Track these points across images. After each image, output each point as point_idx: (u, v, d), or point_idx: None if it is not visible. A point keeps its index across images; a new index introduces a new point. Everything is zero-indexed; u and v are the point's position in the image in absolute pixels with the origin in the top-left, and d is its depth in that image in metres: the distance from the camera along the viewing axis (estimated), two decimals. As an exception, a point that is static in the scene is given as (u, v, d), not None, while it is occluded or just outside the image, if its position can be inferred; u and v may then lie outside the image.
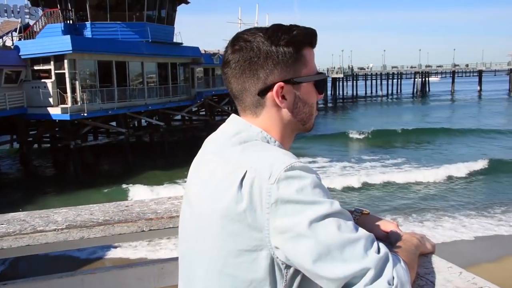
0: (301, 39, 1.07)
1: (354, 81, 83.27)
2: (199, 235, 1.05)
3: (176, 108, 31.83)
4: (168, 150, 28.38)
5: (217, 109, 37.63)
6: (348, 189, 19.22)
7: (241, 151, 1.01)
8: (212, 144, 1.12)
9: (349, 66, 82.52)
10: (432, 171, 21.24)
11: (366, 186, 19.52)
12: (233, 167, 0.98)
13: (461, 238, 13.19)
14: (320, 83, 1.13)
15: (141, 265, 1.81)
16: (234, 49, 1.07)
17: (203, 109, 36.93)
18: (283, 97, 1.07)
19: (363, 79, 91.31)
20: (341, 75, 74.06)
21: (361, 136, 33.61)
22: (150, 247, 12.10)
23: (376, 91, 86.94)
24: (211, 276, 1.02)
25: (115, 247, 11.91)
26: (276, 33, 1.05)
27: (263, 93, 1.06)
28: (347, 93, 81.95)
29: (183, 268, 1.14)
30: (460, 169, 21.03)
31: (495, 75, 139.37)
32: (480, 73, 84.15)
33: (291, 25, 1.08)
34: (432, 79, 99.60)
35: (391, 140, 32.18)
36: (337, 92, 74.19)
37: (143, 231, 1.66)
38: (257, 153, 1.00)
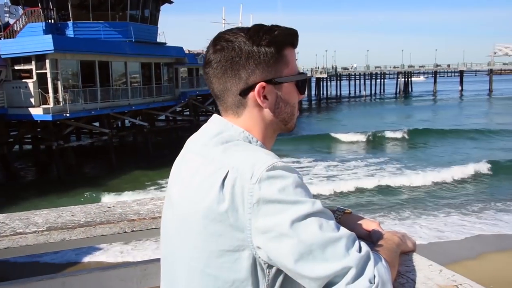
0: (282, 39, 1.07)
1: (338, 81, 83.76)
2: (181, 236, 1.04)
3: (160, 108, 31.66)
4: (152, 150, 28.21)
5: (201, 109, 37.53)
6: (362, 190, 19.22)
7: (223, 151, 1.01)
8: (193, 144, 1.12)
9: (332, 66, 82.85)
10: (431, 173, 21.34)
11: (359, 189, 19.55)
12: (215, 167, 0.98)
13: (443, 236, 13.36)
14: (301, 83, 1.13)
15: (123, 267, 1.79)
16: (216, 49, 1.07)
17: (187, 109, 36.81)
18: (265, 97, 1.07)
19: (346, 79, 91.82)
20: (325, 75, 74.34)
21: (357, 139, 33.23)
22: (132, 248, 12.04)
23: (360, 91, 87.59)
24: (193, 277, 1.01)
25: (97, 248, 11.80)
26: (258, 33, 1.05)
27: (244, 93, 1.06)
28: (330, 93, 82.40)
29: (165, 268, 1.13)
30: (449, 172, 21.07)
31: (475, 75, 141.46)
32: (461, 73, 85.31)
33: (272, 25, 1.09)
34: (418, 79, 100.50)
35: (382, 141, 32.37)
36: (321, 92, 74.51)
37: (126, 232, 1.64)
38: (239, 153, 1.00)
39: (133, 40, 27.67)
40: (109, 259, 11.39)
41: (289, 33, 1.09)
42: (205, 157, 1.03)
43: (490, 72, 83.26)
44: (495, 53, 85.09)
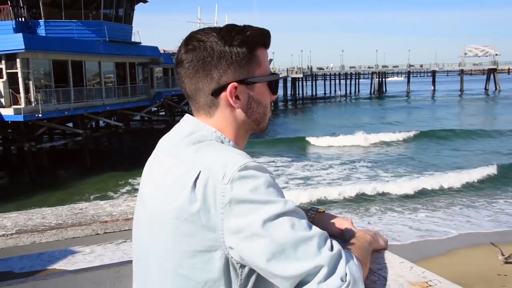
0: (254, 39, 1.07)
1: (314, 81, 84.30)
2: (152, 236, 1.04)
3: (135, 109, 31.36)
4: (127, 151, 27.88)
5: (177, 109, 37.27)
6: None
7: (195, 151, 1.01)
8: (166, 144, 1.11)
9: (308, 66, 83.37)
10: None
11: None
12: (186, 168, 0.98)
13: (412, 234, 13.63)
14: (273, 83, 1.14)
15: (96, 269, 1.77)
16: (188, 49, 1.06)
17: (163, 109, 36.51)
18: (237, 97, 1.08)
19: (322, 79, 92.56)
20: (301, 75, 74.76)
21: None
22: (106, 250, 11.83)
23: (335, 91, 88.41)
24: (165, 277, 1.01)
25: (69, 251, 11.56)
26: (230, 33, 1.05)
27: (216, 93, 1.06)
28: (306, 93, 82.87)
29: (137, 270, 1.13)
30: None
31: (447, 75, 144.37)
32: (433, 73, 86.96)
33: (244, 25, 1.09)
34: (399, 78, 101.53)
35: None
36: (297, 92, 74.90)
37: (98, 234, 1.62)
38: (211, 153, 1.00)
39: (107, 39, 27.30)
40: (81, 262, 11.17)
41: (261, 33, 1.10)
42: (177, 157, 1.03)
43: (461, 73, 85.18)
44: (465, 54, 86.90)
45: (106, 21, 28.25)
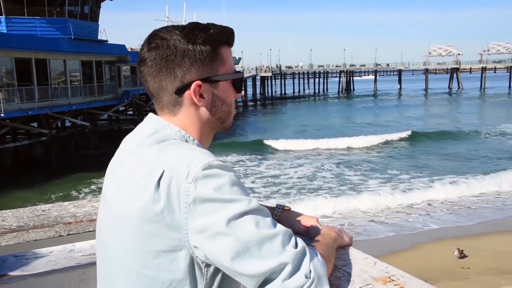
0: (218, 37, 1.07)
1: (283, 80, 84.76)
2: (116, 237, 1.02)
3: (102, 108, 30.83)
4: (94, 150, 27.36)
5: (145, 108, 36.80)
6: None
7: (158, 151, 1.00)
8: (129, 143, 1.09)
9: (277, 65, 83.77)
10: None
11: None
12: (150, 167, 0.97)
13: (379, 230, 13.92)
14: (237, 82, 1.13)
15: (60, 272, 1.73)
16: (150, 47, 1.05)
17: (131, 109, 36.01)
18: (201, 95, 1.07)
19: (291, 78, 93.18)
20: (270, 74, 75.04)
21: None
22: (70, 252, 11.60)
23: (304, 90, 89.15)
24: (130, 279, 1.00)
25: (32, 254, 11.24)
26: (193, 31, 1.05)
27: (180, 91, 1.06)
28: (275, 92, 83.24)
29: (101, 271, 1.11)
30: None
31: (413, 74, 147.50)
32: (399, 72, 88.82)
33: (208, 23, 1.08)
34: (370, 77, 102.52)
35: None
36: (266, 91, 75.16)
37: (61, 235, 1.59)
38: (175, 152, 0.99)
39: (72, 37, 26.73)
40: (44, 265, 10.87)
41: (225, 31, 1.09)
42: (140, 156, 1.01)
43: (426, 72, 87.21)
44: (430, 54, 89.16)
45: (71, 18, 27.68)
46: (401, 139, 31.30)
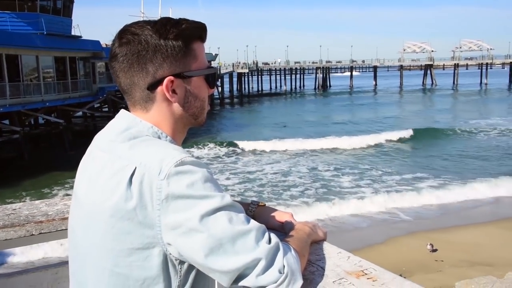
0: (190, 33, 1.06)
1: (259, 76, 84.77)
2: (88, 235, 1.01)
3: (77, 105, 30.32)
4: (69, 148, 26.87)
5: (120, 105, 36.34)
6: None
7: (130, 147, 0.99)
8: (100, 140, 1.08)
9: (254, 61, 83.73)
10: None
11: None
12: (122, 164, 0.96)
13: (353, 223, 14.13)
14: (210, 77, 1.13)
15: (32, 271, 1.70)
16: (122, 42, 1.04)
17: (106, 105, 35.52)
18: (174, 91, 1.06)
19: (268, 74, 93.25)
20: (246, 70, 74.96)
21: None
22: (42, 251, 11.29)
23: (281, 86, 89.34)
24: (102, 277, 0.99)
25: (2, 254, 10.98)
26: (165, 26, 1.04)
27: (152, 87, 1.05)
28: (252, 88, 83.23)
29: (73, 270, 1.09)
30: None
31: (388, 70, 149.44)
32: (375, 68, 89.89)
33: (180, 18, 1.08)
34: (355, 73, 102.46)
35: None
36: (243, 87, 75.08)
37: (33, 235, 1.56)
38: (147, 149, 0.98)
39: (45, 32, 26.15)
40: (16, 265, 10.63)
41: (197, 26, 1.09)
42: (112, 153, 1.00)
43: (401, 68, 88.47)
44: (404, 50, 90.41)
45: (43, 13, 27.05)
46: (399, 139, 30.11)
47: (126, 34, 1.04)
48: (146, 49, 1.02)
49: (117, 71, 1.06)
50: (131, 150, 0.98)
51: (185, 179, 0.92)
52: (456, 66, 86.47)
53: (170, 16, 1.10)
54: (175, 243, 0.92)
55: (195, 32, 1.08)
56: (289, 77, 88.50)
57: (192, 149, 26.38)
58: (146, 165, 0.93)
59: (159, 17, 1.10)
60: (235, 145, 29.03)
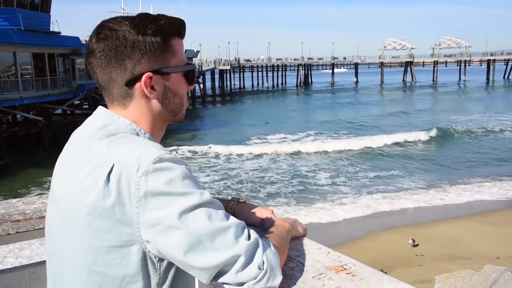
0: (168, 29, 1.05)
1: (241, 73, 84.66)
2: (65, 234, 1.00)
3: (56, 102, 29.83)
4: (49, 146, 26.46)
5: (101, 102, 35.74)
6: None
7: (108, 145, 0.98)
8: (78, 138, 1.07)
9: (235, 58, 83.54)
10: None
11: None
12: (99, 161, 0.95)
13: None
14: (189, 74, 1.12)
15: (9, 271, 1.67)
16: (99, 38, 1.02)
17: (86, 103, 35.05)
18: (152, 87, 1.05)
19: (249, 71, 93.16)
20: (228, 67, 74.76)
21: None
22: (19, 251, 11.08)
23: (263, 83, 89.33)
24: (80, 276, 0.97)
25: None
26: (143, 22, 1.02)
27: (131, 83, 1.03)
28: (234, 85, 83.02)
29: (50, 269, 1.08)
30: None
31: (369, 67, 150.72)
32: (356, 65, 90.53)
33: (158, 14, 1.07)
34: (340, 70, 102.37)
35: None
36: (225, 84, 74.84)
37: (9, 234, 1.53)
38: (125, 146, 0.97)
39: (22, 28, 25.64)
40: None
41: (176, 22, 1.08)
42: (90, 151, 0.99)
43: (381, 65, 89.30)
44: (385, 47, 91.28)
45: (21, 8, 26.50)
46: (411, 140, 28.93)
47: (104, 29, 1.02)
48: (124, 45, 1.01)
49: (95, 67, 1.04)
50: (109, 148, 0.97)
51: (163, 176, 0.91)
52: (435, 63, 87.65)
53: (148, 12, 1.09)
54: (154, 241, 0.92)
55: (173, 28, 1.07)
56: (271, 74, 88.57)
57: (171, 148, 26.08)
58: (124, 162, 0.92)
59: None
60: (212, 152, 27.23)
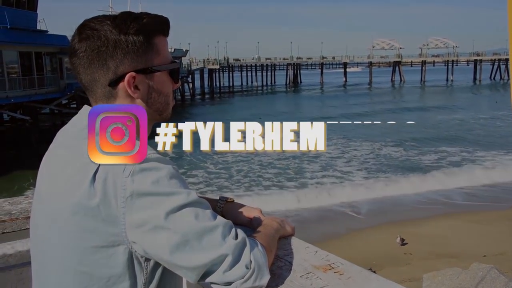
0: (151, 27, 1.04)
1: (230, 73, 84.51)
2: (51, 234, 0.99)
3: (44, 101, 29.51)
4: (36, 146, 26.17)
5: (89, 101, 35.62)
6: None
7: None
8: (63, 137, 1.06)
9: (225, 58, 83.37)
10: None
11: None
12: (85, 161, 0.94)
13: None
14: (174, 72, 1.11)
15: (-6, 272, 1.65)
16: (81, 38, 1.01)
17: (74, 102, 34.75)
18: (136, 87, 1.04)
19: (239, 71, 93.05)
20: (217, 66, 74.60)
21: None
22: (5, 251, 10.97)
23: (252, 82, 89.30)
24: (65, 276, 0.97)
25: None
26: (125, 21, 1.01)
27: (114, 84, 1.02)
28: (223, 84, 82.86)
29: (35, 270, 1.07)
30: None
31: (357, 67, 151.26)
32: (345, 65, 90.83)
33: (141, 12, 1.06)
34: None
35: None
36: (214, 84, 74.66)
37: None
38: None
39: (8, 26, 25.32)
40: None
41: (159, 20, 1.07)
42: (75, 150, 0.98)
43: (370, 65, 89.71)
44: (373, 47, 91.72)
45: (6, 6, 26.17)
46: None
47: (85, 29, 1.01)
48: (105, 45, 0.99)
49: (78, 68, 1.03)
50: None
51: (150, 176, 0.91)
52: (423, 63, 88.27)
53: (130, 10, 1.07)
54: (140, 241, 0.91)
55: (156, 26, 1.06)
56: (260, 74, 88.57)
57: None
58: None
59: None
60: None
